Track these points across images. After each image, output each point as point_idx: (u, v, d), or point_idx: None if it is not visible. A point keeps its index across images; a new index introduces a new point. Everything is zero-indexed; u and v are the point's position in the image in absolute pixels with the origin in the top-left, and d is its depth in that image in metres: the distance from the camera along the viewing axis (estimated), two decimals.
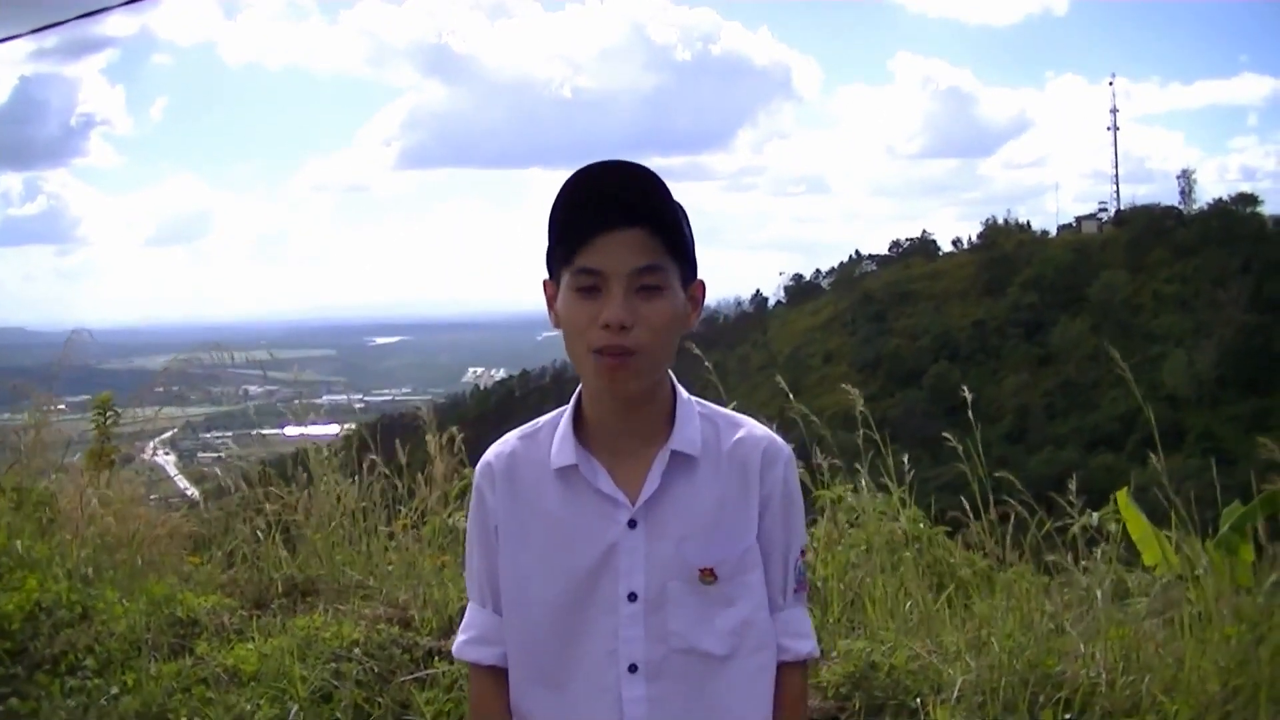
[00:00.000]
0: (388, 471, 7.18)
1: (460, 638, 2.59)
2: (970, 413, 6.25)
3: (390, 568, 6.56)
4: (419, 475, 7.16)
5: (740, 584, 2.42)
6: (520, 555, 2.49)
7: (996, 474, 6.16)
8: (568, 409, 2.49)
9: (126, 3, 10.26)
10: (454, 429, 7.34)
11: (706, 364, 6.99)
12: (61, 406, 9.21)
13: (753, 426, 2.53)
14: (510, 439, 2.57)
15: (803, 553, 2.54)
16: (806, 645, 2.52)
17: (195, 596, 6.28)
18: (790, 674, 2.50)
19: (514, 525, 2.50)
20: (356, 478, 7.16)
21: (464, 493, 7.17)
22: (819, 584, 6.04)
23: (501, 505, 2.51)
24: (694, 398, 2.53)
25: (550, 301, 2.43)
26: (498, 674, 2.53)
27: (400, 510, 7.06)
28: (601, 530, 2.41)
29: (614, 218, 2.29)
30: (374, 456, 7.20)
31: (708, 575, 2.38)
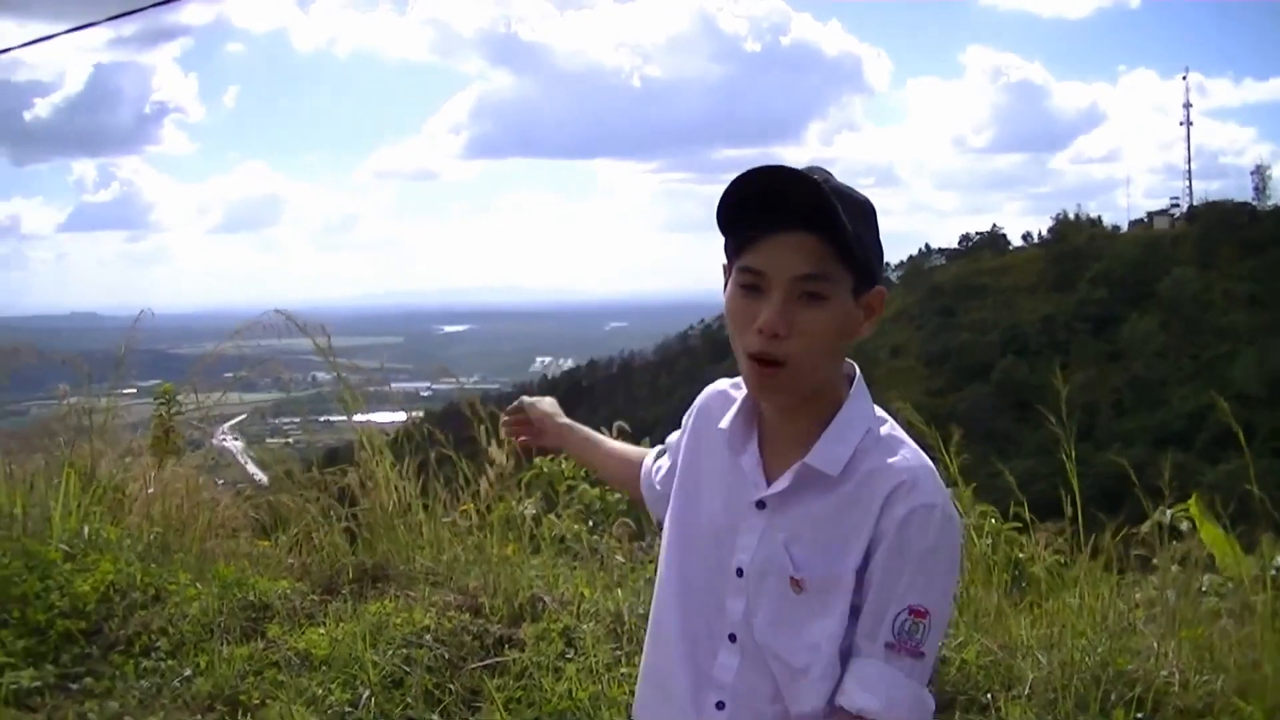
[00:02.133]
0: (455, 458, 7.18)
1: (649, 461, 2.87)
2: (1063, 409, 6.11)
3: (459, 554, 6.56)
4: (485, 463, 7.16)
5: (823, 605, 2.27)
6: (678, 496, 2.55)
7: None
8: None
9: None
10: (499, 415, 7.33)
11: None
12: (131, 390, 9.27)
13: (906, 460, 2.30)
14: (724, 384, 2.59)
15: (916, 612, 2.21)
16: (868, 701, 2.22)
17: (267, 581, 6.33)
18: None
19: (686, 457, 2.57)
20: (422, 465, 7.16)
21: (530, 482, 7.20)
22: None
23: (687, 437, 2.59)
24: (881, 413, 2.41)
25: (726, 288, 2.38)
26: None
27: (465, 497, 7.05)
28: (736, 501, 2.40)
29: (784, 219, 2.21)
30: (440, 444, 7.21)
31: (796, 585, 2.29)
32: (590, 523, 7.06)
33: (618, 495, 7.15)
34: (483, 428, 7.04)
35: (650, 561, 6.49)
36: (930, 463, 2.33)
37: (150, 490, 7.37)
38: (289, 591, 6.19)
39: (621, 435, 7.33)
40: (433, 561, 6.48)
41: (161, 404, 8.30)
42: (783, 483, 2.33)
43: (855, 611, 2.26)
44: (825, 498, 2.31)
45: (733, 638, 2.38)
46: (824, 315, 2.22)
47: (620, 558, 6.57)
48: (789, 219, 2.20)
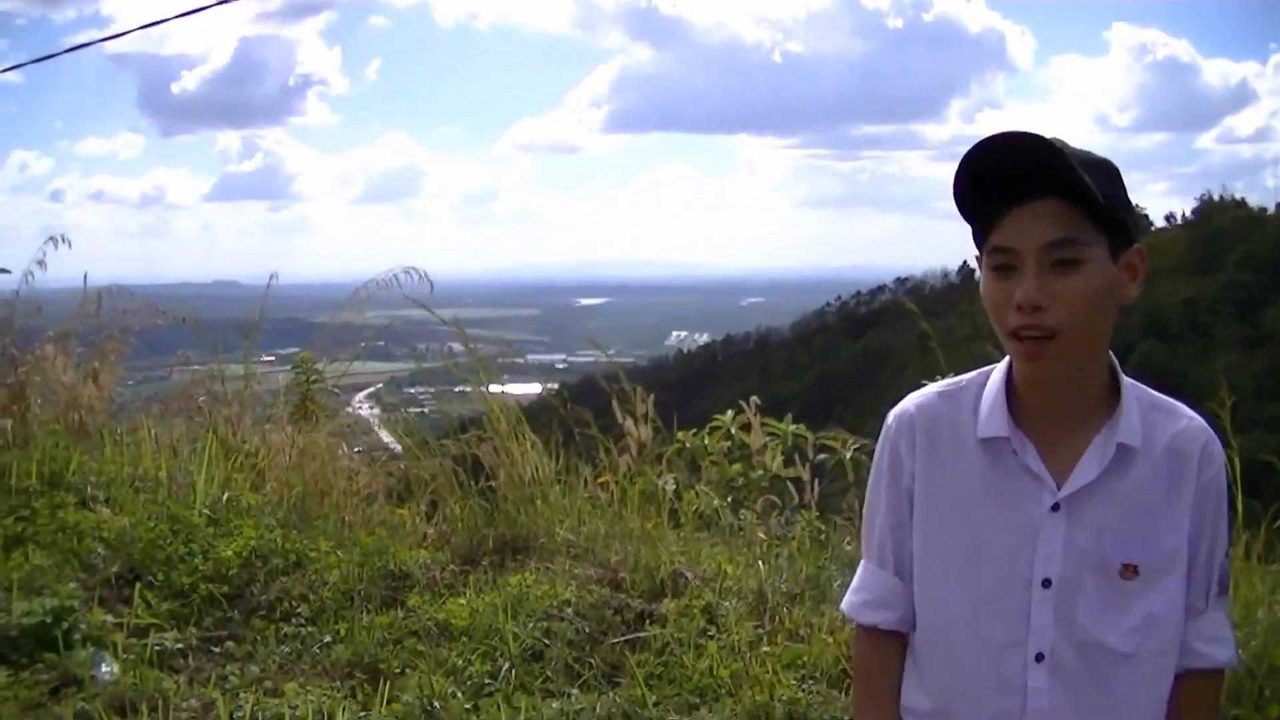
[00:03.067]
0: (593, 431, 7.16)
1: (855, 598, 2.46)
2: (1225, 394, 5.93)
3: (600, 528, 6.53)
4: (624, 436, 7.13)
5: (1160, 583, 2.23)
6: (934, 523, 2.35)
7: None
8: (997, 372, 2.33)
9: None
10: (642, 390, 7.29)
11: (925, 329, 6.87)
12: (270, 358, 9.37)
13: (1193, 418, 2.31)
14: (930, 394, 2.41)
15: (1226, 554, 2.34)
16: (1225, 652, 2.31)
17: (406, 550, 6.33)
18: (1205, 682, 2.33)
19: (931, 489, 2.35)
20: (563, 437, 7.14)
21: (672, 456, 7.15)
22: None
23: (921, 465, 2.36)
24: (1131, 381, 2.31)
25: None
26: (893, 639, 2.42)
27: (604, 470, 7.03)
28: (1023, 510, 2.24)
29: (1021, 190, 2.12)
30: (578, 417, 7.19)
31: (1130, 571, 2.21)
32: (730, 498, 7.00)
33: (759, 471, 7.09)
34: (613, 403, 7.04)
35: (791, 539, 6.43)
36: None
37: (290, 458, 7.41)
38: (429, 561, 6.20)
39: (758, 411, 7.32)
40: (573, 534, 6.44)
41: (300, 372, 8.37)
42: (1089, 473, 2.22)
43: (1186, 580, 2.27)
44: (1130, 474, 2.23)
45: (1040, 657, 2.23)
46: (1081, 280, 2.12)
47: (762, 534, 6.50)
48: (1031, 189, 2.11)
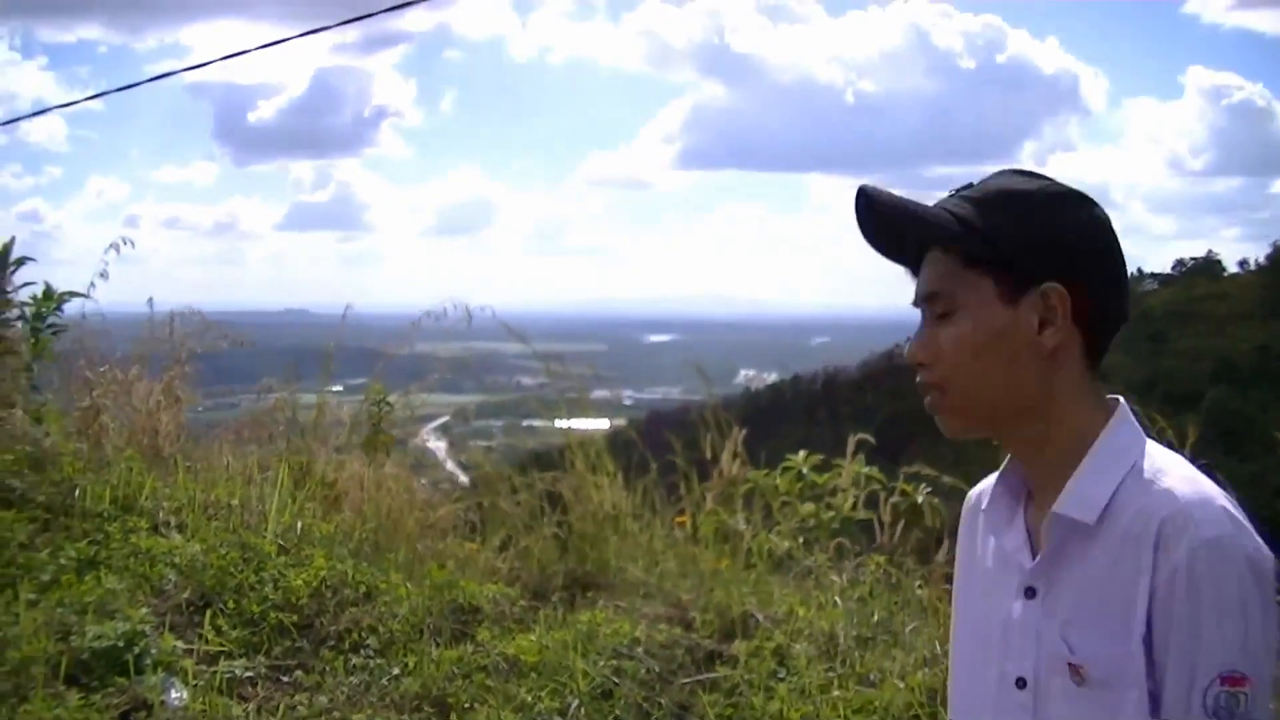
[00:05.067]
0: (680, 463, 7.14)
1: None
2: None
3: (671, 566, 6.50)
4: (695, 474, 7.11)
5: (1114, 700, 1.82)
6: (955, 610, 2.23)
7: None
8: None
9: None
10: (735, 426, 7.28)
11: None
12: (339, 388, 9.41)
13: (1176, 488, 1.86)
14: (986, 480, 2.22)
15: (1231, 680, 1.74)
16: None
17: (477, 584, 6.32)
18: None
19: (958, 573, 2.24)
20: (633, 471, 7.13)
21: (750, 494, 7.13)
22: None
23: (960, 544, 2.25)
24: (1158, 447, 1.97)
25: None
26: None
27: (677, 507, 7.01)
28: (1006, 593, 2.02)
29: (911, 248, 2.03)
30: (652, 452, 7.18)
31: (1075, 673, 1.86)
32: (802, 539, 6.96)
33: (831, 513, 7.06)
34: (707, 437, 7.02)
35: (863, 582, 6.40)
36: (1215, 490, 1.87)
37: (364, 489, 7.43)
38: (499, 596, 6.18)
39: (856, 452, 7.29)
40: (644, 572, 6.42)
41: (374, 403, 8.40)
42: (1044, 548, 1.96)
43: (1155, 700, 1.80)
44: (1089, 556, 1.90)
45: None
46: (955, 330, 1.96)
47: (835, 577, 6.46)
48: (913, 245, 2.04)
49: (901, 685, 5.16)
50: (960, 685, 2.17)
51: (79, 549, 6.04)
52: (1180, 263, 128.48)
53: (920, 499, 7.09)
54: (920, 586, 6.35)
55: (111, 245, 8.82)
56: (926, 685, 5.14)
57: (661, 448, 7.33)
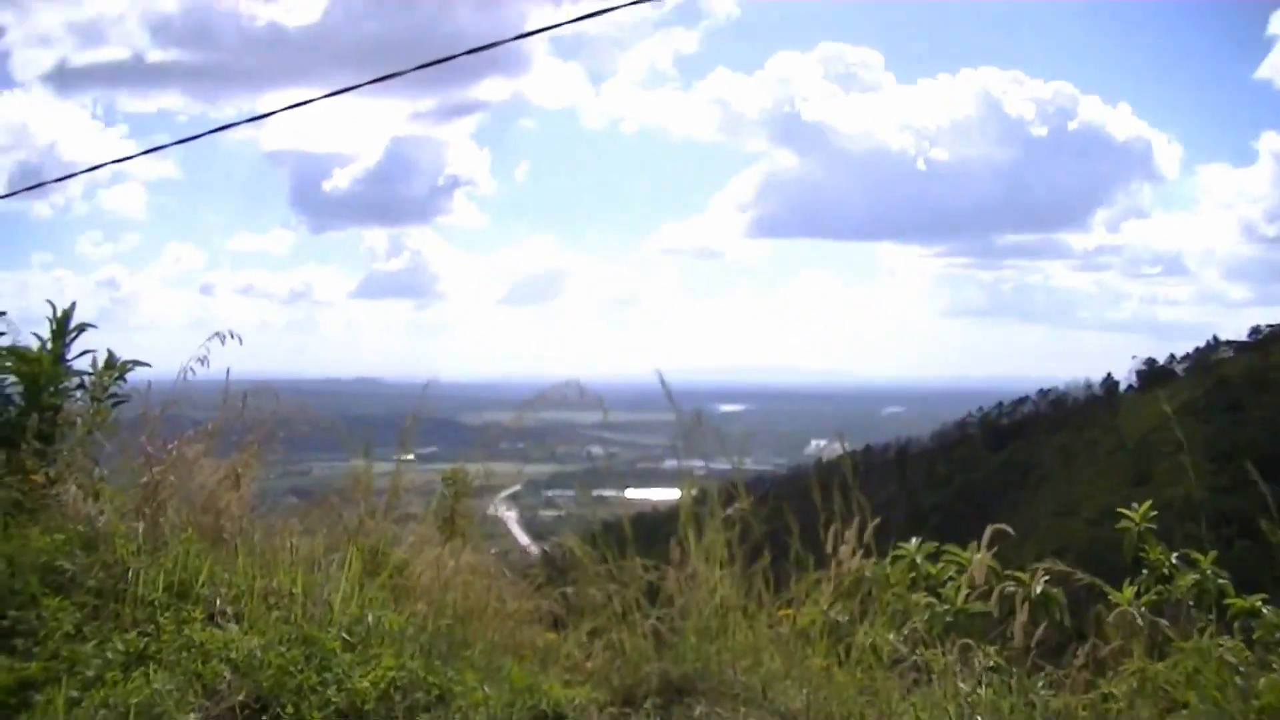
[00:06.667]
0: (795, 549, 6.58)
1: None
2: None
3: (776, 666, 5.95)
4: (809, 560, 6.57)
5: None
6: None
7: None
8: None
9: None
10: (863, 502, 6.71)
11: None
12: (410, 457, 9.08)
13: None
14: None
15: None
16: None
17: (560, 687, 5.81)
18: None
19: None
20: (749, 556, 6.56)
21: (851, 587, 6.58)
22: None
23: None
24: None
25: None
26: None
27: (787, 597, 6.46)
28: None
29: None
30: (760, 532, 6.58)
31: None
32: (907, 632, 6.38)
33: (946, 606, 6.49)
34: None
35: (989, 685, 5.81)
36: None
37: (439, 578, 6.99)
38: (584, 701, 5.66)
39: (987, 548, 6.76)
40: (746, 674, 5.86)
41: (450, 485, 8.01)
42: None
43: None
44: None
45: None
46: None
47: (962, 684, 5.83)
48: None
49: None
50: None
51: (128, 641, 5.71)
52: (1256, 329, 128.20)
53: (1038, 588, 6.53)
54: (1043, 686, 5.76)
55: (216, 334, 8.45)
56: None
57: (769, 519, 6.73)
